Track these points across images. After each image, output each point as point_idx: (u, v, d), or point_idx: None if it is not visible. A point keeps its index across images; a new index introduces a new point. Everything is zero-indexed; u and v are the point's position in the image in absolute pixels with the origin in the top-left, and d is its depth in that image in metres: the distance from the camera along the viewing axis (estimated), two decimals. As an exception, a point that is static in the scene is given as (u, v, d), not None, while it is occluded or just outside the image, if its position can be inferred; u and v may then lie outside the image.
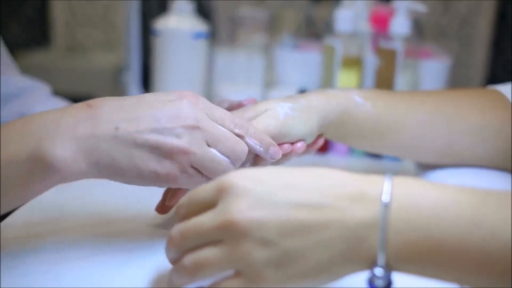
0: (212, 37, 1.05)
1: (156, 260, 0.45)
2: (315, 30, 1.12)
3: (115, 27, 2.20)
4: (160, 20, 0.89)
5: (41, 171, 0.40)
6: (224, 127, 0.45)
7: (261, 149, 0.49)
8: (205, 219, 0.36)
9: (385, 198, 0.35)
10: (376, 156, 0.77)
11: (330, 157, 0.78)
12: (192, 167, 0.44)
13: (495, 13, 1.92)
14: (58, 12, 2.22)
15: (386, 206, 0.34)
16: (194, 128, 0.43)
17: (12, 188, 0.40)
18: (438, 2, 1.93)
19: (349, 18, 0.77)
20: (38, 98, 0.66)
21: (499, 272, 0.34)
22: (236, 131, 0.46)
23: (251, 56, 1.00)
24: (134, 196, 0.57)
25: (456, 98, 0.59)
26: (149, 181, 0.43)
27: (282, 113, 0.52)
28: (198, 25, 0.89)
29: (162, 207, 0.51)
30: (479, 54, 1.96)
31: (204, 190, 0.38)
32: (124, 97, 0.45)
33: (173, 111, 0.43)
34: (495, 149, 0.57)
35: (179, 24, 0.87)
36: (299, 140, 0.54)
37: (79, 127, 0.41)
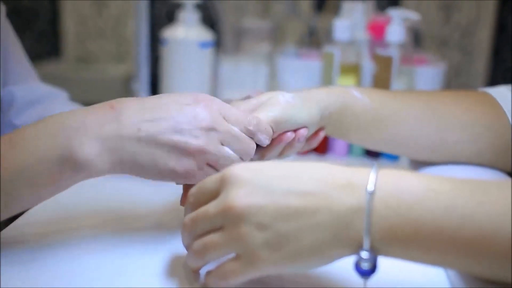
0: (218, 46, 1.07)
1: (171, 249, 0.48)
2: (317, 40, 1.13)
3: (125, 39, 2.21)
4: (168, 30, 0.90)
5: (71, 168, 0.43)
6: (238, 126, 0.49)
7: (268, 142, 0.51)
8: (210, 207, 0.40)
9: (370, 187, 0.37)
10: (374, 156, 0.78)
11: (329, 157, 0.78)
12: (208, 164, 0.47)
13: (495, 24, 1.94)
14: (69, 25, 2.24)
15: (371, 193, 0.37)
16: (210, 129, 0.46)
17: (43, 184, 0.44)
18: (440, 13, 1.96)
19: (347, 27, 0.80)
20: (58, 103, 0.68)
21: (474, 254, 0.36)
22: (250, 128, 0.49)
23: (255, 64, 1.02)
24: (143, 195, 0.61)
25: (445, 97, 0.60)
26: (169, 178, 0.46)
27: (283, 100, 0.54)
28: (204, 35, 0.90)
29: (185, 200, 0.54)
30: (480, 63, 1.98)
31: (209, 180, 0.41)
32: (144, 98, 0.48)
33: (190, 114, 0.46)
34: (484, 145, 0.58)
35: (186, 33, 0.89)
36: (302, 127, 0.54)
37: (104, 128, 0.44)
